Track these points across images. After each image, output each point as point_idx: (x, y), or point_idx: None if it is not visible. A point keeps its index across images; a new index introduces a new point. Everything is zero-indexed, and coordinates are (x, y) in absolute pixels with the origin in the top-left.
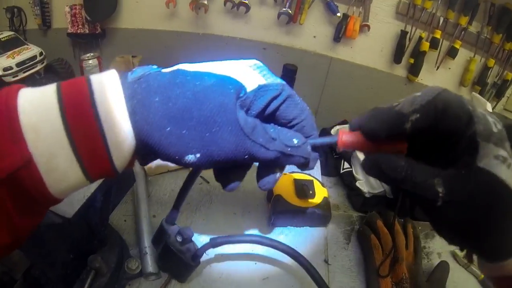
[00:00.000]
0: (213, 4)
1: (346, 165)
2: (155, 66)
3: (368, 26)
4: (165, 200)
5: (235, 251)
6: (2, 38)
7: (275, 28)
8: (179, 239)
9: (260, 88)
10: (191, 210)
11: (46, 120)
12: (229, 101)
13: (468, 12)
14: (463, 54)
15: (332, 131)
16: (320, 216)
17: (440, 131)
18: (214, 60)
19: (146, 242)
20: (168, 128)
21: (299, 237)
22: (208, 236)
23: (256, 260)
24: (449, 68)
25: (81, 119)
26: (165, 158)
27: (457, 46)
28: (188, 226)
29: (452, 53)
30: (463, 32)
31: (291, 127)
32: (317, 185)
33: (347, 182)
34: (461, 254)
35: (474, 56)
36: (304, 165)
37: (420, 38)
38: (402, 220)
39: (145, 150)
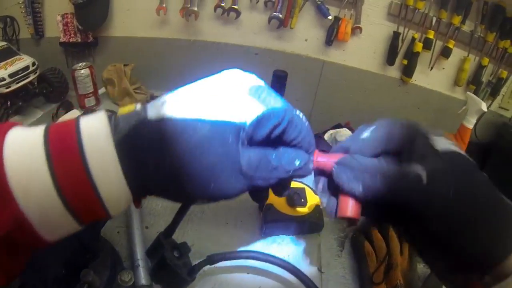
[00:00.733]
0: (203, 10)
1: None
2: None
3: (360, 28)
4: (157, 211)
5: (229, 263)
6: None
7: (266, 33)
8: (176, 254)
9: (261, 118)
10: (183, 220)
11: (35, 177)
12: (229, 150)
13: (461, 11)
14: (457, 53)
15: (326, 136)
16: (312, 224)
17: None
18: (206, 67)
19: (139, 254)
20: (170, 188)
21: (292, 246)
22: (201, 247)
23: (249, 271)
24: (443, 68)
25: (71, 176)
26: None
27: (450, 46)
28: (184, 240)
29: (445, 53)
30: (456, 32)
31: (291, 146)
32: (309, 193)
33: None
34: None
35: (468, 55)
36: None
37: (413, 39)
38: None
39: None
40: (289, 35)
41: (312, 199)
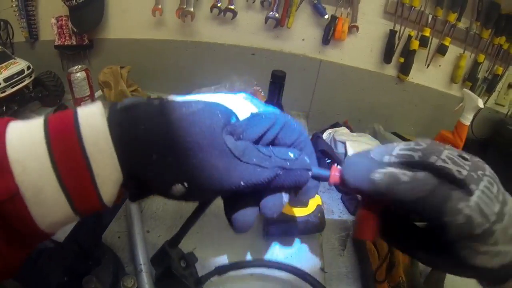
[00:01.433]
0: (200, 11)
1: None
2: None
3: (357, 27)
4: (158, 215)
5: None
6: None
7: (263, 33)
8: (183, 264)
9: (253, 116)
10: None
11: (33, 154)
12: (215, 124)
13: (457, 9)
14: (453, 51)
15: (324, 135)
16: (314, 224)
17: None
18: (203, 68)
19: (142, 259)
20: (154, 156)
21: (294, 246)
22: (203, 251)
23: (257, 278)
24: (440, 66)
25: (67, 153)
26: (154, 189)
27: (446, 43)
28: (185, 243)
29: (442, 50)
30: (452, 29)
31: None
32: None
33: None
34: None
35: (464, 52)
36: (304, 186)
37: (410, 36)
38: None
39: (133, 183)
40: (286, 34)
41: (314, 199)
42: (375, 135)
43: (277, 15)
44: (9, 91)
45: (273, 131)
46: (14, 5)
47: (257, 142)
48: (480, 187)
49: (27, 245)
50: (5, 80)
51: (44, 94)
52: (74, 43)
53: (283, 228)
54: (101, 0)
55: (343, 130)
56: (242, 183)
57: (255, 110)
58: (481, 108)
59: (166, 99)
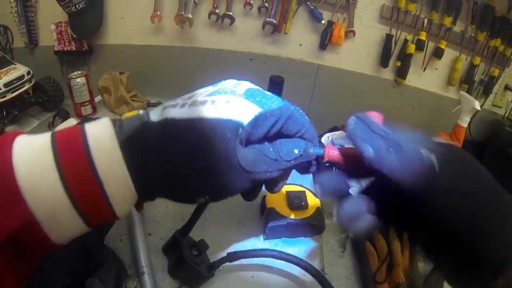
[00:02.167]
0: (198, 17)
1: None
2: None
3: (353, 32)
4: (159, 217)
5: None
6: None
7: (260, 39)
8: (195, 252)
9: (258, 118)
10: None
11: (44, 182)
12: (227, 146)
13: (452, 12)
14: (449, 54)
15: (323, 139)
16: (314, 226)
17: None
18: (202, 73)
19: (143, 261)
20: (173, 183)
21: (294, 248)
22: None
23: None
24: (436, 69)
25: (79, 178)
26: (175, 202)
27: (442, 46)
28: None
29: (438, 53)
30: (447, 32)
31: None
32: (309, 196)
33: None
34: None
35: (460, 55)
36: (306, 169)
37: (406, 40)
38: None
39: (151, 199)
40: (283, 40)
41: (313, 201)
42: None
43: (274, 21)
44: (9, 96)
45: (278, 125)
46: (13, 11)
47: (264, 136)
48: None
49: (40, 256)
50: (5, 85)
51: (44, 99)
52: (74, 48)
53: (283, 230)
54: (100, 6)
55: (341, 134)
56: (252, 185)
57: (258, 109)
58: (478, 110)
59: (165, 116)
